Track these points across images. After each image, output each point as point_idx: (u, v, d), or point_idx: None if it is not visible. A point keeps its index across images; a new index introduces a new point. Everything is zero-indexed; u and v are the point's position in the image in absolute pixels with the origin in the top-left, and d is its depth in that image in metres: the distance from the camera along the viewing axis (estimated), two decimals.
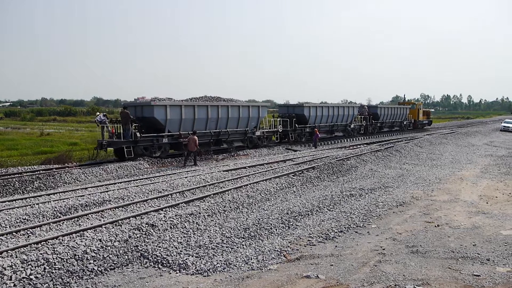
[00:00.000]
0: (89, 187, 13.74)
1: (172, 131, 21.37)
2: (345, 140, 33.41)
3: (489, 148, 28.82)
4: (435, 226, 9.79)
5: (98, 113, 22.23)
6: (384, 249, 8.18)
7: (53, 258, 7.37)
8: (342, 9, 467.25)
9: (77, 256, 7.58)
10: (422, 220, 10.36)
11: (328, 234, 9.21)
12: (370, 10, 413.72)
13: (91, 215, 10.10)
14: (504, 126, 47.11)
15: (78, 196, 11.99)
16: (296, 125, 30.01)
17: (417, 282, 6.52)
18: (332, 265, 7.34)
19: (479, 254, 7.88)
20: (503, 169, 18.92)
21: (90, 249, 7.88)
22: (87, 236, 8.42)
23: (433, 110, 60.87)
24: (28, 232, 8.85)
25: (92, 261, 7.58)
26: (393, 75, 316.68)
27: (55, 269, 7.14)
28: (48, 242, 8.05)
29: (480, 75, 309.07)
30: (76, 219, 9.81)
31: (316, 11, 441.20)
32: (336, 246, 8.47)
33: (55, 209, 10.57)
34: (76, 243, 8.03)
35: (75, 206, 10.90)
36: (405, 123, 47.15)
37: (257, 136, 26.60)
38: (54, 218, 9.99)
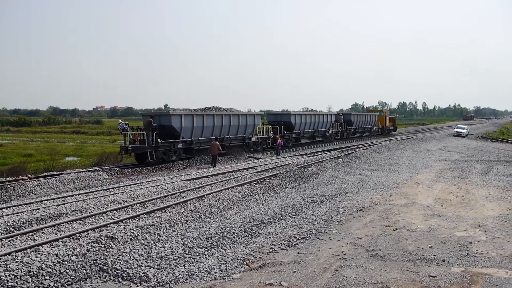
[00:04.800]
0: (44, 200, 13.22)
1: (185, 138, 23.90)
2: (306, 147, 34.10)
3: (443, 153, 30.01)
4: (394, 230, 10.07)
5: (120, 121, 24.18)
6: (345, 254, 8.32)
7: (6, 276, 7.02)
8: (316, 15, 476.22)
9: (32, 273, 7.26)
10: (381, 224, 10.63)
11: (290, 241, 9.28)
12: (334, 19, 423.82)
13: (47, 229, 9.70)
14: (456, 132, 49.50)
15: (33, 210, 11.50)
16: (285, 131, 32.95)
17: (377, 285, 6.68)
18: (295, 271, 7.40)
19: (435, 255, 8.17)
20: (456, 172, 19.74)
21: (46, 264, 7.57)
22: (42, 251, 8.08)
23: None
24: None
25: (48, 277, 7.28)
26: (352, 83, 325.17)
27: (7, 287, 6.81)
28: (0, 258, 7.67)
29: (434, 83, 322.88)
30: (30, 233, 9.39)
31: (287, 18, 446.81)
32: (298, 253, 8.54)
33: (8, 224, 10.09)
34: (31, 258, 7.69)
35: (29, 220, 10.46)
36: (374, 129, 50.26)
37: (252, 141, 29.50)
38: (6, 233, 9.53)
